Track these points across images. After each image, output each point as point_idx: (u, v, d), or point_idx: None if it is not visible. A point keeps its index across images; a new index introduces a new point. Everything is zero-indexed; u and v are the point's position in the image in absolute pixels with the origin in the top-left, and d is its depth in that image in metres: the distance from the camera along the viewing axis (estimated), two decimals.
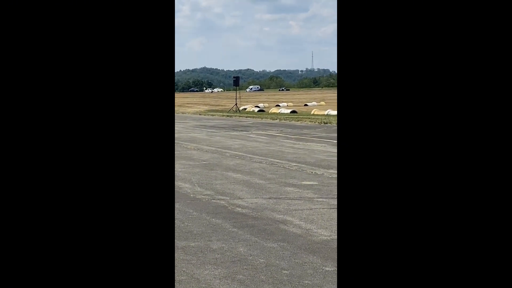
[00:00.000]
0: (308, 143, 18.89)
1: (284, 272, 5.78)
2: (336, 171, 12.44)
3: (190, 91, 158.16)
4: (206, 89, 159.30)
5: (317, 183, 11.01)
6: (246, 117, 37.98)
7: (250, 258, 6.24)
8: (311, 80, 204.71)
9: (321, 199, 9.51)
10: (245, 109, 48.09)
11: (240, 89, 55.61)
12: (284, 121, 31.89)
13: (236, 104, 46.33)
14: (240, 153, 16.10)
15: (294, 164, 13.83)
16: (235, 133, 23.85)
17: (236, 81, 48.37)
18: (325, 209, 8.73)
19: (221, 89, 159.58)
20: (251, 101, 66.53)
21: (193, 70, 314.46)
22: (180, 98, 77.86)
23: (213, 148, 17.19)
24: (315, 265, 6.02)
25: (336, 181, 9.08)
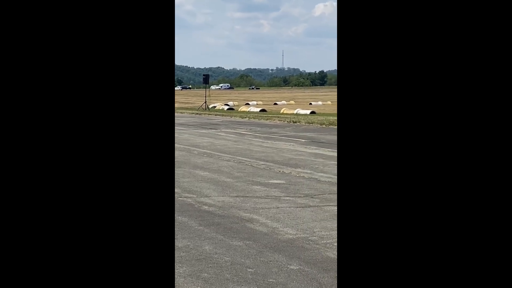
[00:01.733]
0: (277, 142, 18.92)
1: (249, 270, 5.78)
2: (303, 170, 12.49)
3: None
4: (176, 87, 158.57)
5: (284, 182, 11.03)
6: (216, 115, 37.90)
7: (215, 256, 6.23)
8: (281, 79, 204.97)
9: (288, 198, 9.53)
10: (215, 107, 48.01)
11: (209, 87, 55.43)
12: (254, 120, 31.91)
13: (205, 102, 46.23)
14: (208, 151, 16.06)
15: (262, 162, 13.83)
16: (203, 131, 23.79)
17: (206, 79, 48.25)
18: (292, 208, 8.75)
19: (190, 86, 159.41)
20: (221, 99, 66.47)
21: None
22: None
23: (181, 146, 17.12)
24: (280, 263, 6.02)
25: (303, 180, 9.13)
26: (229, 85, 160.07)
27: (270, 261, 6.11)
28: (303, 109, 41.27)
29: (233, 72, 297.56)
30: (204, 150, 16.43)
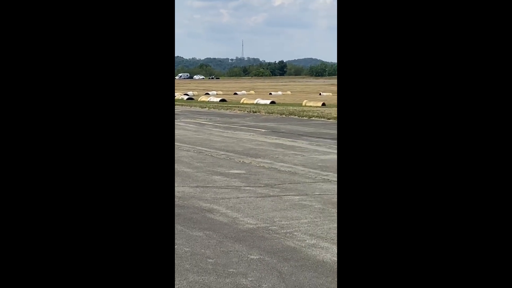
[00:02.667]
0: (237, 132, 18.90)
1: (209, 260, 5.76)
2: (263, 160, 12.50)
3: None
4: None
5: (244, 172, 11.03)
6: (175, 105, 37.68)
7: (175, 247, 6.20)
8: (241, 69, 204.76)
9: (248, 188, 9.53)
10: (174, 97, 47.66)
11: None
12: (213, 110, 31.82)
13: None
14: None
15: (222, 152, 13.81)
16: None
17: None
18: (252, 198, 8.76)
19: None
20: (180, 89, 66.07)
21: None
22: None
23: None
24: (240, 253, 6.02)
25: (263, 170, 9.14)
26: (189, 75, 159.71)
27: (230, 251, 6.10)
28: (263, 99, 41.32)
29: (193, 61, 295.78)
30: None
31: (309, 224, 7.23)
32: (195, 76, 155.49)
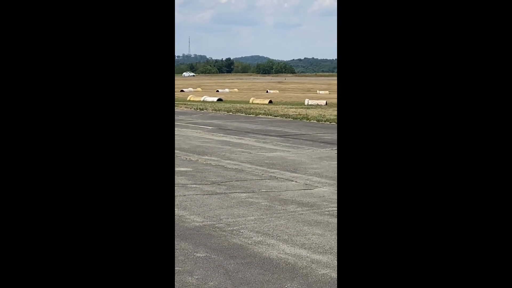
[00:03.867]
0: (184, 129, 18.81)
1: None
2: (210, 157, 12.47)
3: None
4: None
5: (191, 169, 10.98)
6: None
7: None
8: (188, 66, 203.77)
9: (194, 185, 9.49)
10: None
11: None
12: None
13: None
14: None
15: None
16: None
17: None
18: (199, 196, 8.73)
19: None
20: None
21: None
22: None
23: None
24: (186, 251, 5.99)
25: (210, 167, 9.13)
26: (194, 74, 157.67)
27: (177, 249, 6.06)
28: (210, 96, 41.22)
29: None
30: None
31: (255, 221, 7.24)
32: (184, 73, 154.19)
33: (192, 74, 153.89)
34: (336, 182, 9.74)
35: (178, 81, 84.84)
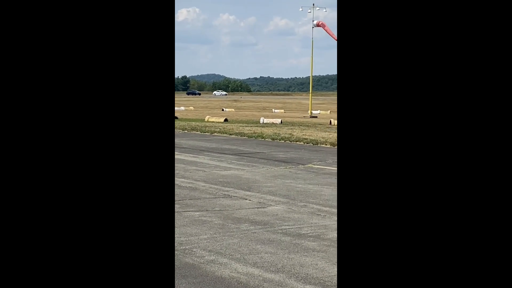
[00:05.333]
0: None
1: None
2: None
3: None
4: None
5: None
6: None
7: None
8: None
9: None
10: None
11: None
12: None
13: None
14: None
15: None
16: None
17: None
18: None
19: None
20: None
21: None
22: None
23: None
24: None
25: None
26: (227, 94, 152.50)
27: None
28: None
29: None
30: None
31: (208, 240, 7.20)
32: (215, 92, 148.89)
33: (225, 93, 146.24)
34: (289, 201, 9.79)
35: None
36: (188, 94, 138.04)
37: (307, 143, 20.80)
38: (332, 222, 8.21)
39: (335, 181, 12.05)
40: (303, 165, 14.68)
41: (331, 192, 10.72)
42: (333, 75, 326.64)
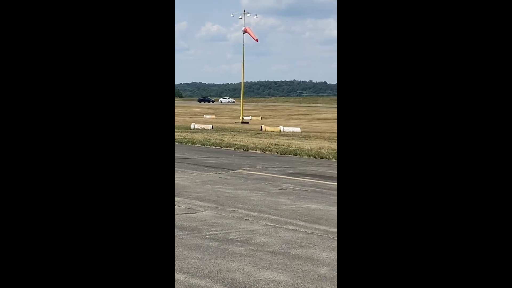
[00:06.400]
0: None
1: None
2: None
3: None
4: None
5: None
6: None
7: None
8: None
9: None
10: None
11: None
12: None
13: None
14: None
15: None
16: None
17: None
18: None
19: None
20: None
21: None
22: None
23: None
24: None
25: None
26: (234, 101, 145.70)
27: None
28: None
29: None
30: None
31: None
32: (222, 99, 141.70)
33: (232, 100, 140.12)
34: (217, 206, 9.79)
35: None
36: (200, 101, 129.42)
37: (238, 149, 20.86)
38: (260, 227, 8.25)
39: (264, 186, 12.13)
40: (233, 170, 14.71)
41: (260, 197, 10.78)
42: (265, 81, 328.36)
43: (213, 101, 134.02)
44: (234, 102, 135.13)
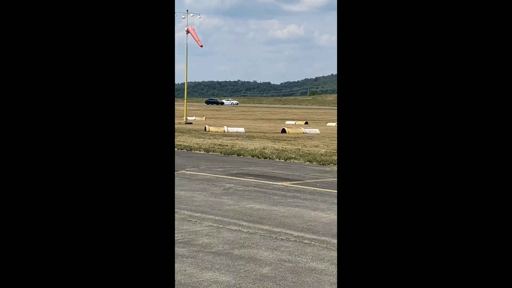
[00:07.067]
0: None
1: None
2: None
3: None
4: None
5: None
6: None
7: None
8: None
9: None
10: None
11: None
12: None
13: None
14: None
15: None
16: None
17: None
18: None
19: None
20: None
21: None
22: None
23: None
24: None
25: None
26: (238, 103, 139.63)
27: None
28: None
29: None
30: None
31: None
32: (224, 101, 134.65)
33: (236, 102, 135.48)
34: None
35: None
36: (207, 103, 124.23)
37: (181, 149, 20.76)
38: (202, 227, 8.23)
39: (208, 187, 12.10)
40: (176, 171, 14.63)
41: (203, 198, 10.75)
42: (209, 81, 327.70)
43: (222, 103, 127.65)
44: (238, 104, 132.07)
